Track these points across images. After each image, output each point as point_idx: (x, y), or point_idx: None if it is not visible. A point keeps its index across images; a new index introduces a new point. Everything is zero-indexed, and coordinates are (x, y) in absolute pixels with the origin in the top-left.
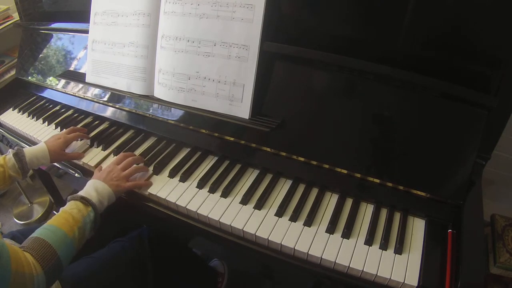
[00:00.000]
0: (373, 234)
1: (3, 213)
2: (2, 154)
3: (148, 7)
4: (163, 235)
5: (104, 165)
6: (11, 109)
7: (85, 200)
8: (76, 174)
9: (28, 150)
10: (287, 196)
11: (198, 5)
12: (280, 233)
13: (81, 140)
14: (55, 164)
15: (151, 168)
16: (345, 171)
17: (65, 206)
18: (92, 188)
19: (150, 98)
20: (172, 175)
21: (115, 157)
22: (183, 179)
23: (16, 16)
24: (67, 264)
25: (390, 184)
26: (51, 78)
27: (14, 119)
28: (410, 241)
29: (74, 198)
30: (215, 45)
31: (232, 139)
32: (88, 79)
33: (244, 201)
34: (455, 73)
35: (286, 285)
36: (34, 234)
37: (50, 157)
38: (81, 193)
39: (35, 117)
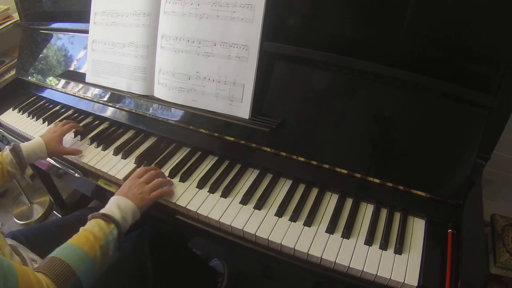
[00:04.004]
0: (373, 234)
1: (3, 213)
2: None
3: (148, 7)
4: (163, 235)
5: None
6: (11, 109)
7: (106, 217)
8: (76, 174)
9: (24, 144)
10: (287, 196)
11: (198, 5)
12: (280, 233)
13: (81, 139)
14: (55, 164)
15: None
16: (345, 171)
17: (85, 225)
18: (115, 205)
19: (150, 98)
20: (172, 175)
21: (136, 170)
22: (183, 179)
23: (16, 16)
24: (89, 284)
25: (390, 184)
26: (51, 78)
27: (14, 119)
28: (410, 241)
29: (95, 216)
30: (215, 45)
31: (232, 139)
32: (88, 79)
33: (244, 201)
34: (455, 73)
35: (286, 285)
36: (52, 254)
37: (47, 150)
38: (102, 210)
39: (35, 117)
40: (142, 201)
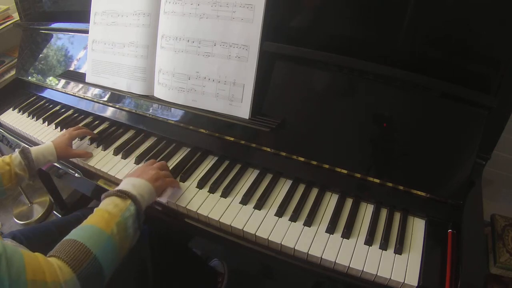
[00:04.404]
0: (373, 234)
1: (3, 213)
2: (2, 154)
3: (148, 7)
4: (163, 235)
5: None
6: (11, 109)
7: (121, 193)
8: (76, 174)
9: (34, 147)
10: (287, 196)
11: (198, 5)
12: (280, 233)
13: (81, 139)
14: (55, 164)
15: None
16: (345, 171)
17: (99, 205)
18: (128, 184)
19: (150, 98)
20: (172, 175)
21: (148, 161)
22: (183, 179)
23: (16, 16)
24: (111, 267)
25: (390, 184)
26: (51, 78)
27: (14, 119)
28: (410, 241)
29: (108, 195)
30: (215, 45)
31: (232, 139)
32: (88, 79)
33: (244, 201)
34: (455, 73)
35: (286, 285)
36: (65, 238)
37: (56, 153)
38: (116, 188)
39: (35, 117)
40: (157, 182)
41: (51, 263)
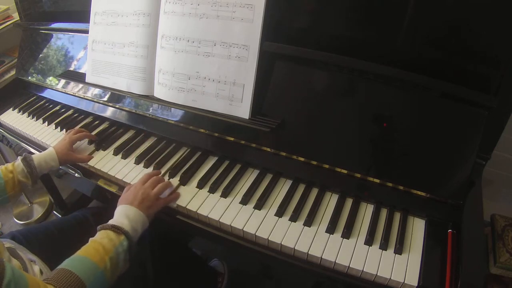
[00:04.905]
0: (373, 234)
1: (3, 213)
2: (2, 154)
3: (148, 7)
4: (163, 236)
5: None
6: (11, 109)
7: (116, 229)
8: (76, 174)
9: (36, 155)
10: (287, 196)
11: (198, 5)
12: (280, 233)
13: (82, 140)
14: None
15: (151, 168)
16: (345, 171)
17: (95, 236)
18: (123, 215)
19: (150, 98)
20: (172, 175)
21: (140, 178)
22: (183, 179)
23: (16, 16)
24: None
25: (390, 184)
26: (51, 78)
27: (14, 119)
28: (410, 241)
29: (104, 228)
30: (215, 45)
31: (232, 139)
32: (88, 79)
33: (244, 201)
34: (455, 73)
35: (286, 285)
36: (61, 266)
37: (58, 158)
38: (111, 221)
39: (35, 117)
40: (150, 209)
41: None
